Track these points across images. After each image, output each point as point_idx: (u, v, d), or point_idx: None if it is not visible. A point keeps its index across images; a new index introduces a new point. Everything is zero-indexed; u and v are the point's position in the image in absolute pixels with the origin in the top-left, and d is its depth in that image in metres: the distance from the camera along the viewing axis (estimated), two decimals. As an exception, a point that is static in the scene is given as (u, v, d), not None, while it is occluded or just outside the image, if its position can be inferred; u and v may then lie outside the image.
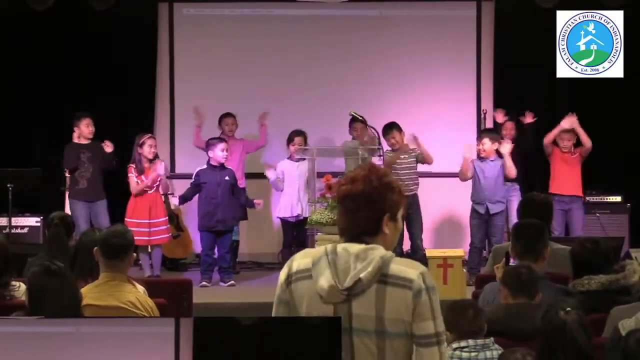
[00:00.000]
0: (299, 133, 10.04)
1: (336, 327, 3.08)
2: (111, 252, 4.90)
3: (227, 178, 9.68)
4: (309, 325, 3.14)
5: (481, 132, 10.20)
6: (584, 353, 3.86)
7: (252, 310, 8.32)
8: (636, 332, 3.93)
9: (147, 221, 9.58)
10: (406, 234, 9.90)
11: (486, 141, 9.73)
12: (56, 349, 3.07)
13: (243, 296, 9.09)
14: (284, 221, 10.06)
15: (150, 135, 9.91)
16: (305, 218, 9.53)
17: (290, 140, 10.02)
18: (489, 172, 9.73)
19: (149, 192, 9.71)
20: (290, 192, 9.99)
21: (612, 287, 5.02)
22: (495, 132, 10.06)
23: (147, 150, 9.67)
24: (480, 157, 9.79)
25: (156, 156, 9.80)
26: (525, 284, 4.80)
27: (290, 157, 10.05)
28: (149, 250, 9.79)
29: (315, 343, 3.07)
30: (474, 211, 9.82)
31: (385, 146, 9.93)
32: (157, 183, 9.78)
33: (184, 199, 9.75)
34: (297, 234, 9.96)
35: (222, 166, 9.67)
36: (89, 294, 4.80)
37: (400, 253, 10.14)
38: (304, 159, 9.72)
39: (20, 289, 5.36)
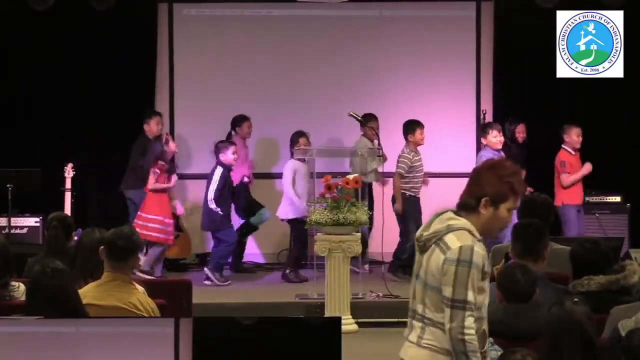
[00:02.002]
0: (302, 134, 10.02)
1: (336, 327, 3.09)
2: (116, 254, 4.91)
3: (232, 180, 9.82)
4: (309, 325, 3.15)
5: (487, 125, 10.14)
6: (592, 343, 3.86)
7: (252, 310, 8.32)
8: (639, 331, 3.93)
9: (169, 220, 9.83)
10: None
11: (496, 133, 9.79)
12: (56, 349, 3.07)
13: (243, 296, 9.08)
14: (294, 221, 10.07)
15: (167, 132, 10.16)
16: None
17: (295, 142, 9.99)
18: None
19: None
20: (299, 192, 9.96)
21: (612, 288, 5.01)
22: (499, 125, 10.09)
23: (172, 148, 9.88)
24: (492, 150, 9.79)
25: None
26: (520, 291, 4.76)
27: (298, 158, 10.03)
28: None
29: (315, 343, 3.07)
30: None
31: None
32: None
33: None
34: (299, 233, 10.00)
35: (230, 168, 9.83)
36: (91, 293, 4.80)
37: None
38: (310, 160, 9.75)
39: (19, 289, 5.36)
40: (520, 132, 10.50)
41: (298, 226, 9.98)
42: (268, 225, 10.78)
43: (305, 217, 9.80)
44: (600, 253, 5.23)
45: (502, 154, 9.76)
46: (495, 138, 9.81)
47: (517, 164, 3.97)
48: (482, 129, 10.08)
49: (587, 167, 9.99)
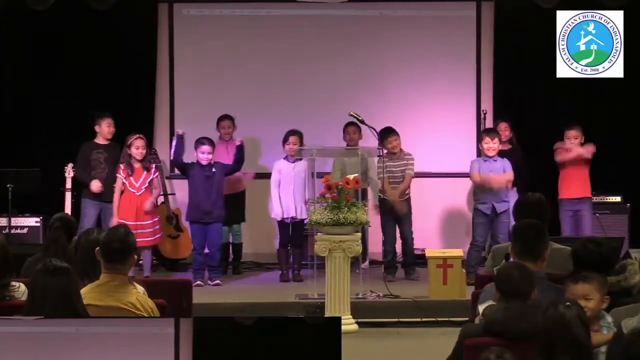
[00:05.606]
0: (294, 132, 10.01)
1: (336, 327, 3.09)
2: (111, 255, 4.90)
3: (213, 170, 9.71)
4: (309, 325, 3.15)
5: (482, 132, 10.14)
6: (583, 347, 3.87)
7: (252, 310, 8.32)
8: (640, 330, 3.93)
9: (134, 223, 9.48)
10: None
11: (488, 140, 9.71)
12: (56, 349, 3.07)
13: (243, 296, 9.08)
14: (279, 222, 10.06)
15: (138, 136, 9.83)
16: (301, 219, 9.71)
17: (285, 140, 10.00)
18: (495, 172, 9.69)
19: (137, 194, 9.70)
20: (285, 192, 9.96)
21: (612, 290, 5.00)
22: (495, 132, 10.01)
23: (134, 152, 9.70)
24: (484, 157, 9.75)
25: (145, 157, 9.79)
26: (517, 290, 4.76)
27: (286, 158, 10.01)
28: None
29: (315, 343, 3.07)
30: (478, 211, 9.75)
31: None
32: (146, 185, 9.78)
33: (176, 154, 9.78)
34: (293, 233, 9.96)
35: (209, 164, 9.72)
36: (89, 294, 4.79)
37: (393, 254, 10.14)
38: (300, 160, 9.74)
39: (20, 289, 5.35)
40: (501, 130, 10.32)
41: (280, 225, 10.01)
42: (268, 225, 10.77)
43: (286, 219, 9.84)
44: (602, 254, 5.22)
45: (497, 160, 9.70)
46: (488, 144, 9.75)
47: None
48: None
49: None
